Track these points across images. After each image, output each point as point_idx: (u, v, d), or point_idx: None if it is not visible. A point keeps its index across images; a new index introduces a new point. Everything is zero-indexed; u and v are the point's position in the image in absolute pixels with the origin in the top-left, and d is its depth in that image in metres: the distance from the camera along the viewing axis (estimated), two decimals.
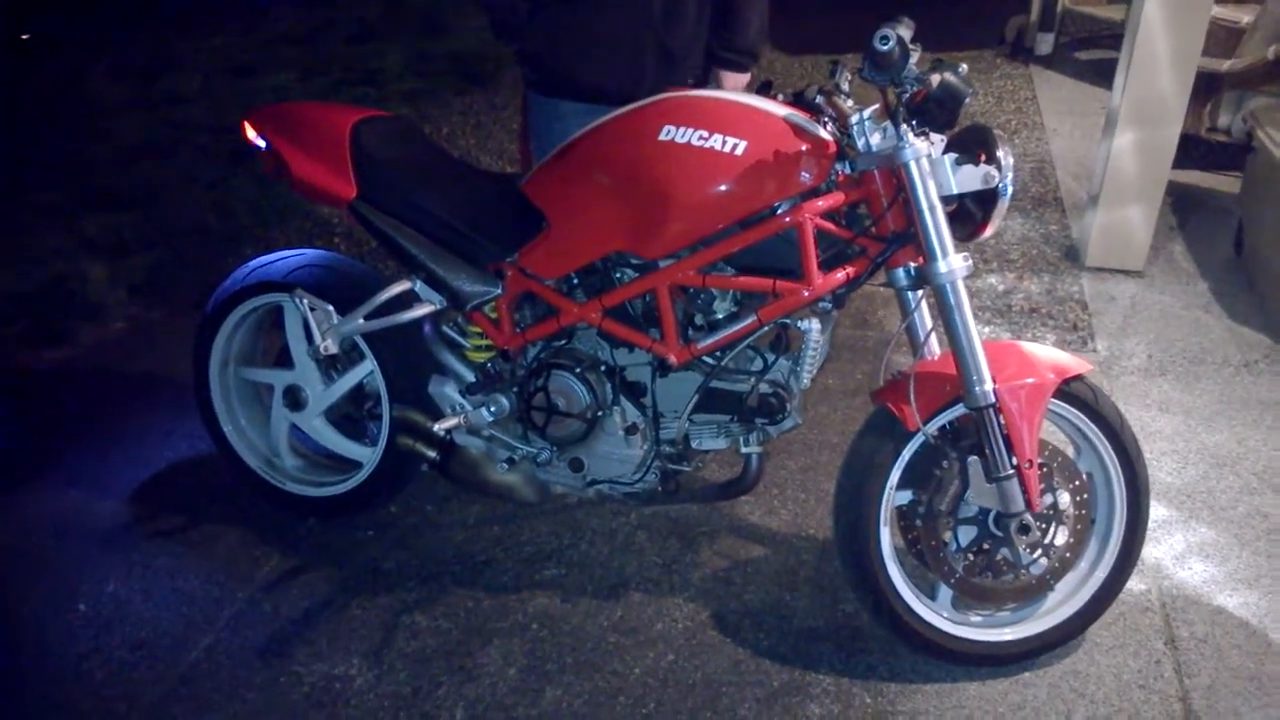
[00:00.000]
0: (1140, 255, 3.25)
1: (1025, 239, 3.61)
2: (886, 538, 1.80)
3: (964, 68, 1.57)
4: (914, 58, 1.50)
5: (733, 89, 2.30)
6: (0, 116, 4.68)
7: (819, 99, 1.77)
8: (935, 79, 1.52)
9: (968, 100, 1.55)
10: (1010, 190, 1.63)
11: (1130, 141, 3.05)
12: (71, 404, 2.81)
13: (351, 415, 2.27)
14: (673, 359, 1.82)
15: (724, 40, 2.27)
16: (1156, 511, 2.21)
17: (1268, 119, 3.17)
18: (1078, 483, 1.80)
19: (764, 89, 1.86)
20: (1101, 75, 4.99)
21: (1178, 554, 2.14)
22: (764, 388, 1.83)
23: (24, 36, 6.39)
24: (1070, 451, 1.84)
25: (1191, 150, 3.80)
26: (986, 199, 1.65)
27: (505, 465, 2.04)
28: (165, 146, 4.29)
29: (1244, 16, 3.93)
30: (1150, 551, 2.12)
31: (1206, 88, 3.66)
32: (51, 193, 3.88)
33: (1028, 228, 3.69)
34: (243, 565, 2.18)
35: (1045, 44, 5.79)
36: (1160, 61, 2.91)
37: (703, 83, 2.32)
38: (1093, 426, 1.78)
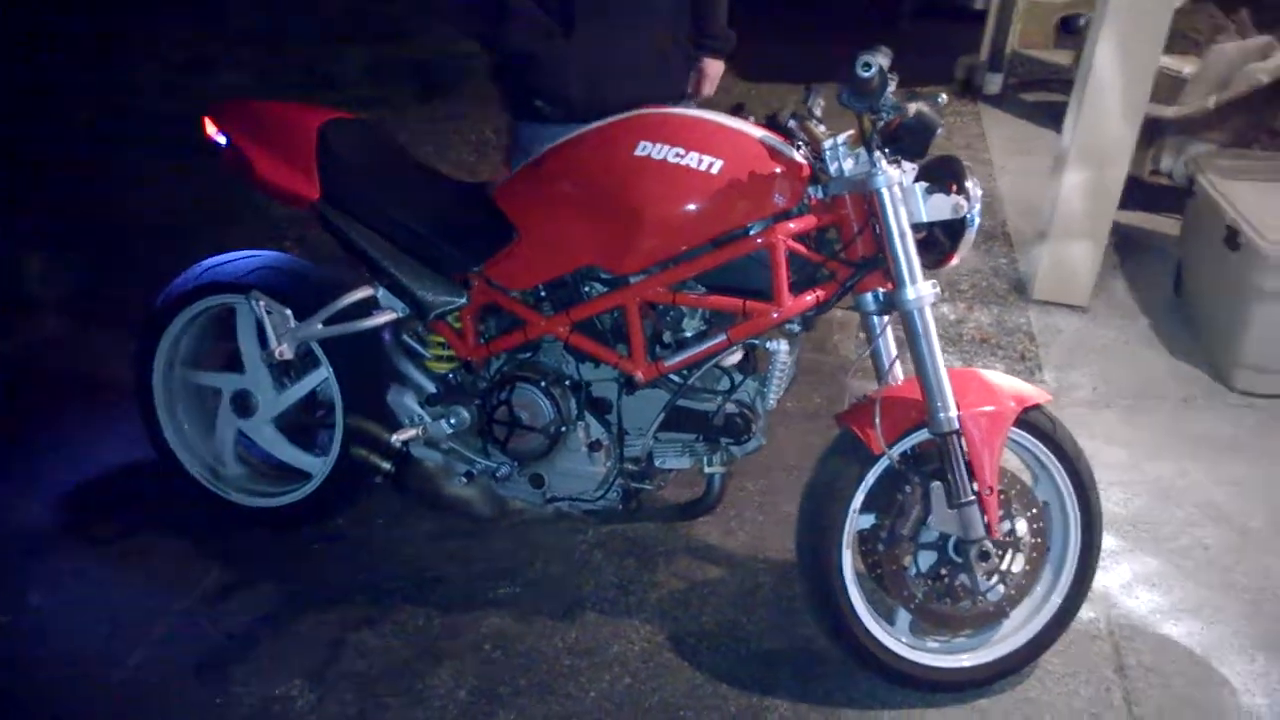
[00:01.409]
0: (1085, 291, 3.34)
1: (975, 271, 3.69)
2: (849, 561, 1.80)
3: (943, 98, 1.60)
4: (891, 86, 1.52)
5: (714, 75, 2.46)
6: None
7: (792, 123, 1.78)
8: (911, 108, 1.54)
9: (940, 131, 1.58)
10: (977, 221, 1.66)
11: (1079, 181, 3.15)
12: (1, 401, 2.68)
13: (302, 423, 2.20)
14: (640, 375, 1.80)
15: (701, 28, 2.38)
16: (1104, 541, 2.25)
17: (1207, 165, 3.30)
18: (1035, 510, 1.82)
19: (737, 110, 1.87)
20: (1047, 116, 5.14)
21: (1125, 583, 2.19)
22: (730, 407, 1.83)
23: None
24: (1027, 479, 1.87)
25: (1134, 191, 3.93)
26: (954, 228, 1.68)
27: (463, 479, 1.99)
28: (116, 139, 4.14)
29: (1186, 66, 4.10)
30: (1099, 580, 2.15)
31: (1150, 132, 3.79)
32: None
33: (977, 260, 3.76)
34: (180, 577, 2.09)
35: (994, 84, 5.97)
36: (1110, 106, 3.01)
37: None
38: (1050, 456, 1.81)
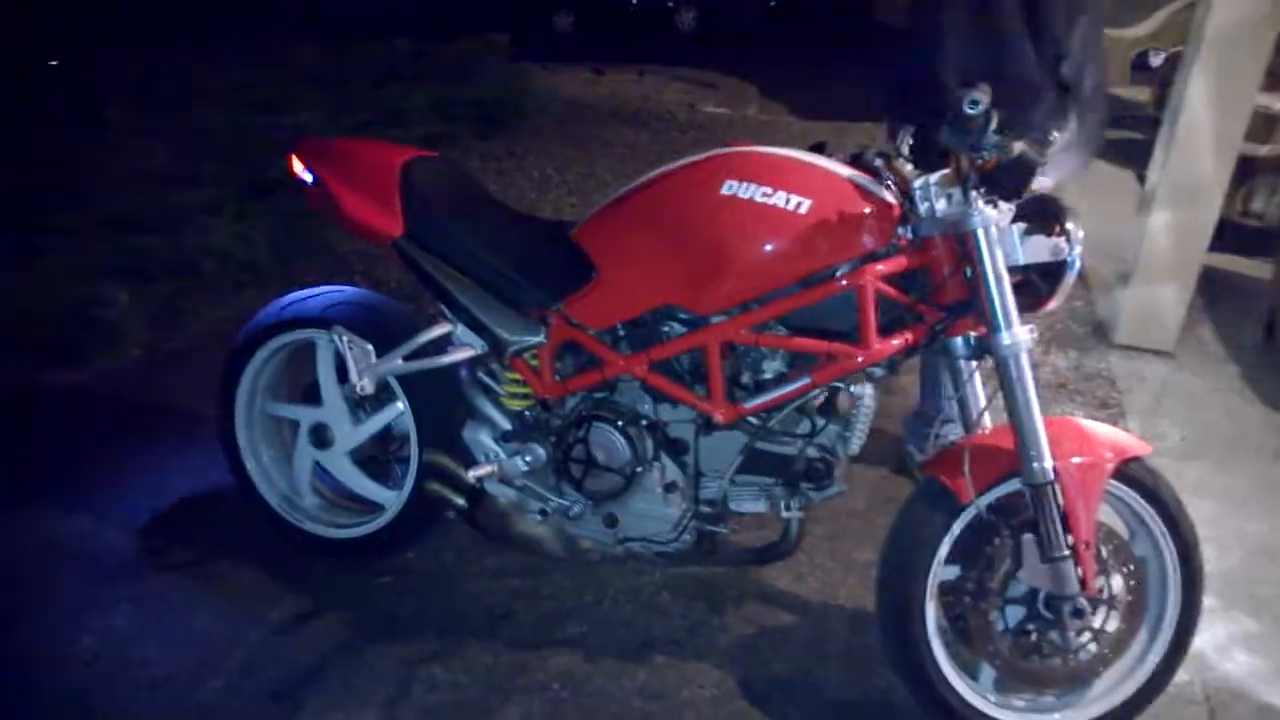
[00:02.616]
0: (1171, 335, 3.24)
1: (1051, 314, 3.60)
2: (932, 613, 1.74)
3: (1055, 134, 1.56)
4: (994, 123, 1.48)
5: None
6: (20, 140, 4.67)
7: (878, 161, 1.76)
8: (1015, 147, 1.50)
9: (1041, 172, 1.54)
10: (1078, 264, 1.61)
11: (1167, 221, 3.06)
12: (82, 429, 2.75)
13: (377, 457, 2.21)
14: (719, 417, 1.77)
15: None
16: None
17: None
18: (1131, 567, 1.75)
19: (819, 149, 1.85)
20: (1123, 155, 5.04)
21: (1220, 644, 2.08)
22: (812, 452, 1.79)
23: (53, 62, 6.44)
24: (1125, 534, 1.79)
25: (1224, 233, 3.82)
26: (1052, 271, 1.63)
27: (537, 517, 1.98)
28: (189, 178, 4.28)
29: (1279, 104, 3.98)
30: (1193, 641, 2.06)
31: (1242, 172, 3.68)
32: (71, 216, 3.85)
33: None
34: (257, 605, 2.10)
35: None
36: (1202, 144, 2.93)
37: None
38: (1150, 510, 1.73)
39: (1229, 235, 3.88)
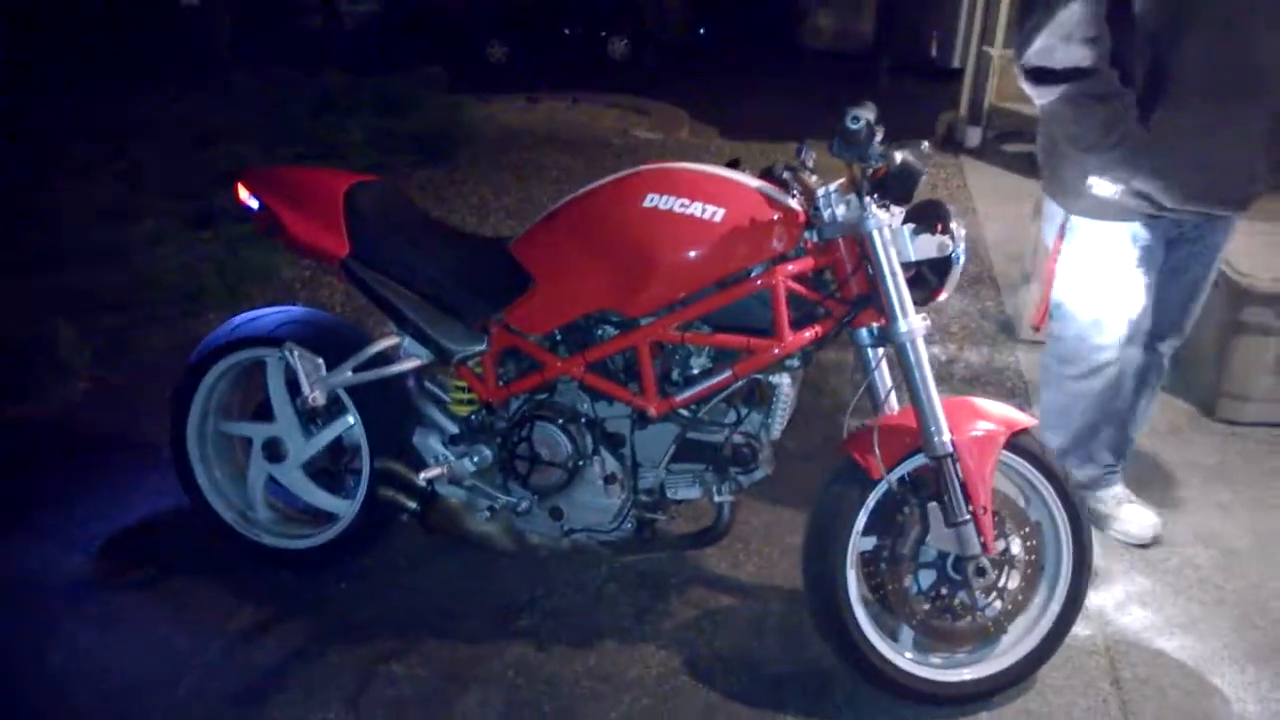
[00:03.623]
0: None
1: (963, 313, 3.84)
2: (853, 580, 1.91)
3: (926, 145, 1.75)
4: (878, 136, 1.68)
5: None
6: None
7: (786, 174, 1.94)
8: (898, 156, 1.69)
9: (923, 177, 1.73)
10: (963, 259, 1.81)
11: None
12: (37, 461, 2.79)
13: (329, 469, 2.31)
14: (652, 411, 1.92)
15: None
16: (1098, 563, 2.35)
17: None
18: (1027, 529, 1.93)
19: (733, 165, 2.03)
20: (1026, 165, 5.36)
21: (1119, 602, 2.28)
22: (737, 439, 1.94)
23: None
24: (1020, 501, 1.98)
25: None
26: (941, 266, 1.82)
27: (486, 514, 2.10)
28: (131, 210, 4.32)
29: None
30: (1094, 599, 2.25)
31: None
32: (13, 252, 3.87)
33: (965, 303, 3.92)
34: (216, 616, 2.18)
35: (974, 137, 6.22)
36: None
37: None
38: (1040, 477, 1.92)
39: None
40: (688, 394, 1.91)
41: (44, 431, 2.94)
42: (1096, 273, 2.26)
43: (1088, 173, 2.16)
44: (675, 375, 1.96)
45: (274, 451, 2.25)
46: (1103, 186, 2.14)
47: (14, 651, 2.08)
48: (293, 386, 2.17)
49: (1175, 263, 2.30)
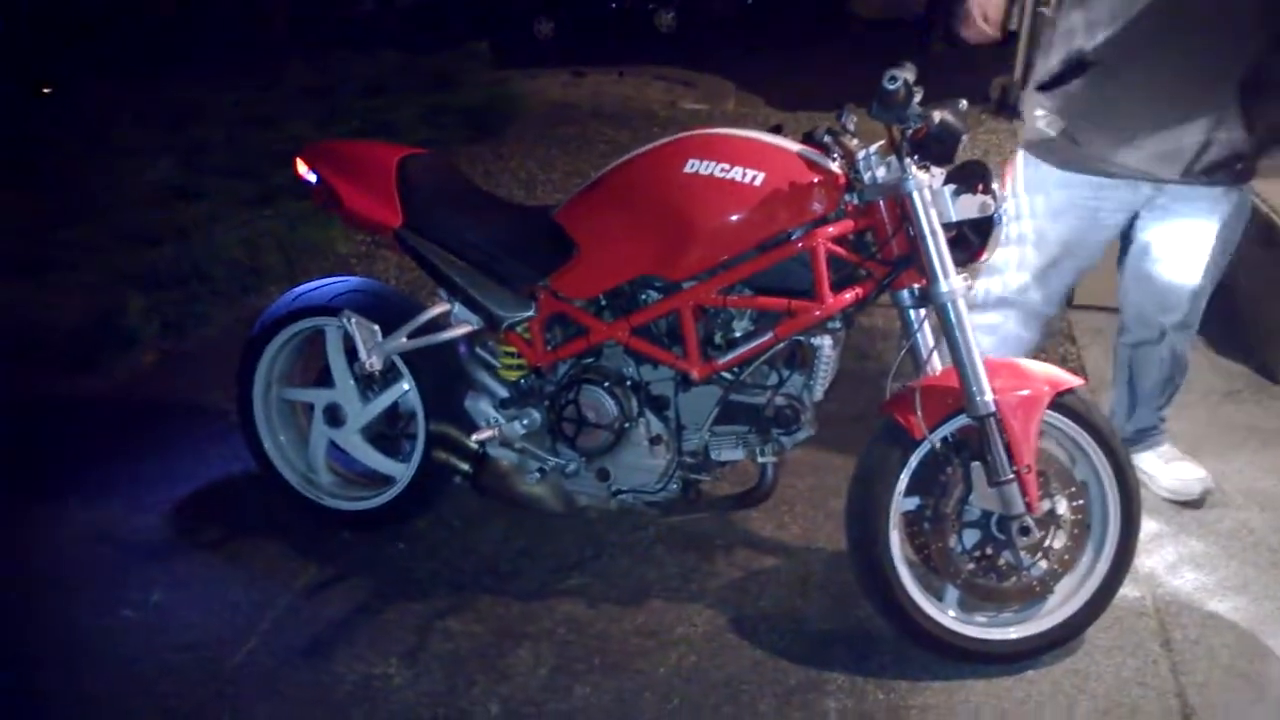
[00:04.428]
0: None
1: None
2: (896, 541, 1.93)
3: (964, 104, 1.75)
4: (917, 97, 1.67)
5: None
6: (26, 162, 4.86)
7: (827, 138, 1.95)
8: (936, 116, 1.69)
9: (964, 137, 1.73)
10: (1004, 219, 1.80)
11: None
12: (108, 430, 2.93)
13: (386, 433, 2.40)
14: (695, 374, 1.96)
15: None
16: (1149, 526, 2.33)
17: None
18: (1073, 489, 1.93)
19: (775, 131, 2.04)
20: None
21: (1170, 564, 2.27)
22: (780, 400, 1.97)
23: (45, 90, 6.63)
24: (1066, 462, 1.98)
25: None
26: (983, 227, 1.82)
27: (536, 476, 2.16)
28: (193, 191, 4.48)
29: None
30: (1144, 562, 2.24)
31: None
32: (83, 230, 4.04)
33: None
34: (282, 575, 2.29)
35: None
36: None
37: None
38: (1086, 436, 1.92)
39: None
40: (730, 356, 1.94)
41: (114, 402, 3.09)
42: (1020, 210, 2.28)
43: (1036, 104, 2.19)
44: (718, 338, 1.99)
45: (334, 417, 2.34)
46: (1047, 121, 2.16)
47: (88, 608, 2.20)
48: (351, 354, 2.25)
49: (1151, 237, 2.29)
